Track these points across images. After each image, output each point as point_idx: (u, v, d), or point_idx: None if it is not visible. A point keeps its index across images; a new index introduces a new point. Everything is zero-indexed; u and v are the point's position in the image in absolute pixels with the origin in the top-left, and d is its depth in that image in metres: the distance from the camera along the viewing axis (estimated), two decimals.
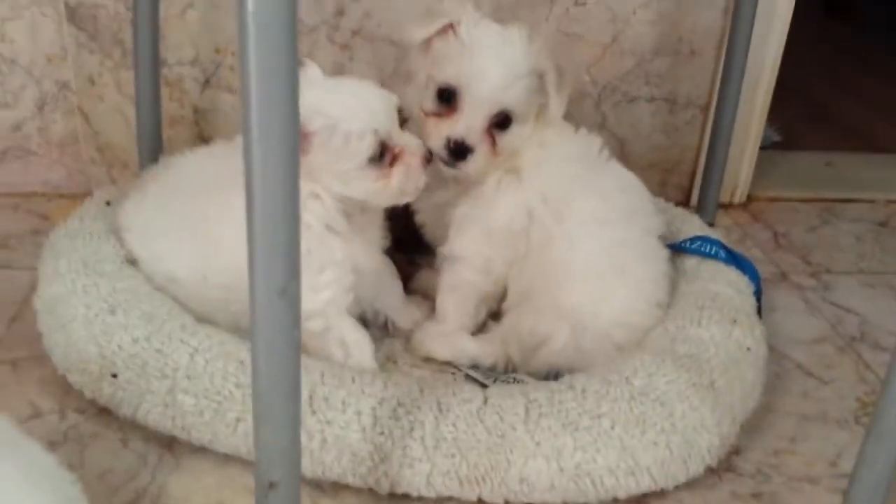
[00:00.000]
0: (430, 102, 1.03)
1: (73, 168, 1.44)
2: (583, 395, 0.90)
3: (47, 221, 1.36)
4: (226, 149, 1.07)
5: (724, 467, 0.97)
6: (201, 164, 1.10)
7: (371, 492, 0.89)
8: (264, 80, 0.56)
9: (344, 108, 0.94)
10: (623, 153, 1.53)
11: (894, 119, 2.16)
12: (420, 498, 0.88)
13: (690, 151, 1.56)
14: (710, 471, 0.94)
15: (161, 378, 0.91)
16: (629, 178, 1.13)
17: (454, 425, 0.87)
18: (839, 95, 2.32)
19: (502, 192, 1.06)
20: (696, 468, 0.91)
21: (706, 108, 1.51)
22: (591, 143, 1.10)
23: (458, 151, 1.00)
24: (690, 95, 1.51)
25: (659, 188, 1.56)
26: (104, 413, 0.96)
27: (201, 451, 0.92)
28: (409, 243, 1.18)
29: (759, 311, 1.14)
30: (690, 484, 0.93)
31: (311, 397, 0.88)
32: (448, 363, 1.09)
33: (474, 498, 0.88)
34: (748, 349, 1.00)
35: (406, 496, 0.88)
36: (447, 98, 1.01)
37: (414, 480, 0.87)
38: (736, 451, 0.99)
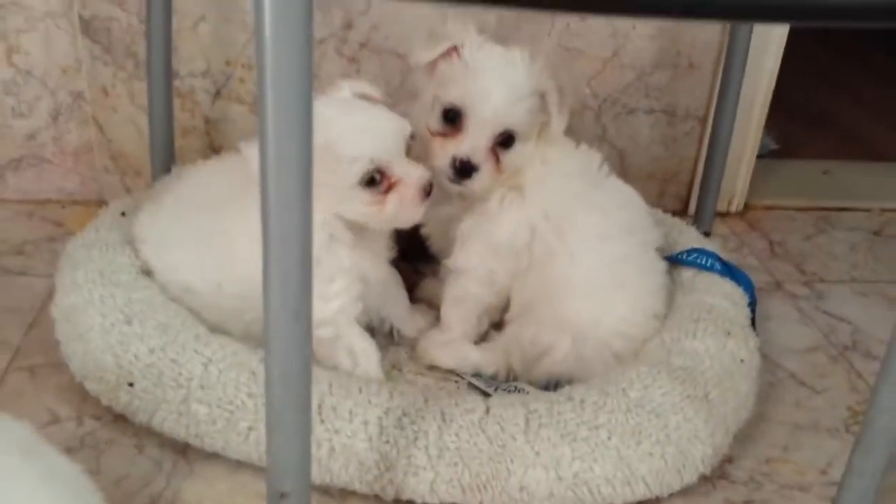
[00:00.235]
0: (435, 122, 1.06)
1: (87, 176, 1.47)
2: (581, 407, 0.93)
3: (62, 228, 1.40)
4: (237, 161, 1.10)
5: (717, 475, 1.00)
6: (214, 177, 1.13)
7: (377, 498, 0.92)
8: (280, 115, 0.59)
9: (346, 130, 0.96)
10: (623, 164, 1.56)
11: (893, 124, 2.18)
12: None
13: (688, 162, 1.59)
14: (704, 479, 0.97)
15: (176, 387, 0.94)
16: (628, 193, 1.16)
17: (457, 435, 0.90)
18: (838, 101, 2.34)
19: (505, 208, 1.09)
20: (689, 477, 0.95)
21: (704, 120, 1.55)
22: (591, 159, 1.14)
23: (464, 170, 1.03)
24: (689, 108, 1.54)
25: (657, 198, 1.60)
26: (120, 420, 0.99)
27: (214, 457, 0.96)
28: (415, 253, 1.21)
29: (753, 322, 1.18)
30: (685, 492, 0.96)
31: (319, 407, 0.91)
32: (451, 371, 1.13)
33: None
34: (742, 361, 1.03)
35: (411, 503, 0.92)
36: (452, 118, 1.04)
37: (418, 488, 0.90)
38: (729, 459, 1.02)
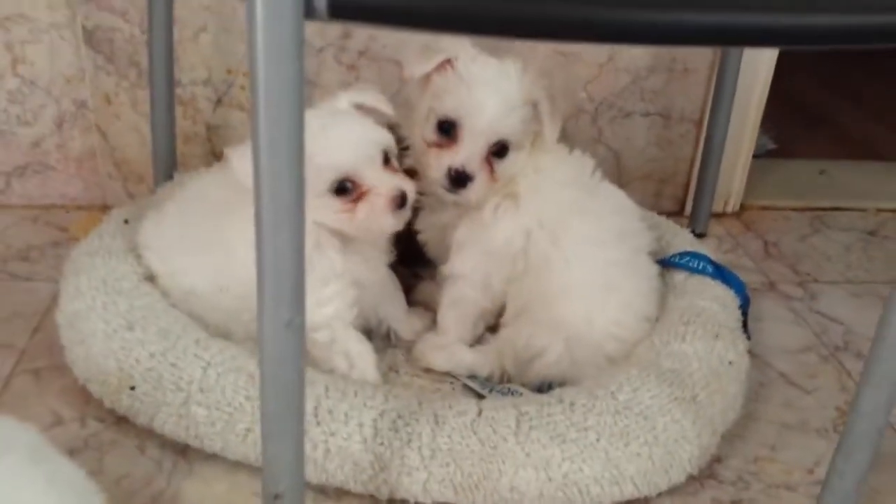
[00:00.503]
0: (431, 133, 1.08)
1: (91, 182, 1.50)
2: (571, 409, 0.96)
3: (66, 233, 1.43)
4: None
5: (705, 475, 1.02)
6: (215, 183, 1.15)
7: (372, 498, 0.95)
8: (273, 127, 0.61)
9: (320, 140, 0.97)
10: (619, 166, 1.58)
11: (892, 124, 2.19)
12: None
13: (684, 163, 1.61)
14: (692, 478, 0.99)
15: (176, 391, 0.97)
16: (620, 198, 1.18)
17: (449, 437, 0.93)
18: (836, 100, 2.35)
19: (500, 216, 1.11)
20: (677, 477, 0.97)
21: (700, 123, 1.57)
22: (584, 165, 1.15)
23: (459, 180, 1.05)
24: (684, 111, 1.56)
25: (654, 199, 1.62)
26: (122, 421, 1.02)
27: (213, 457, 0.98)
28: (413, 256, 1.23)
29: (745, 325, 1.20)
30: (673, 491, 0.98)
31: (315, 409, 0.94)
32: (447, 373, 1.15)
33: None
34: (730, 363, 1.05)
35: (404, 502, 0.94)
36: (447, 129, 1.06)
37: (412, 488, 0.92)
38: (718, 458, 1.04)
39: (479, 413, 0.95)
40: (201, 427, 0.96)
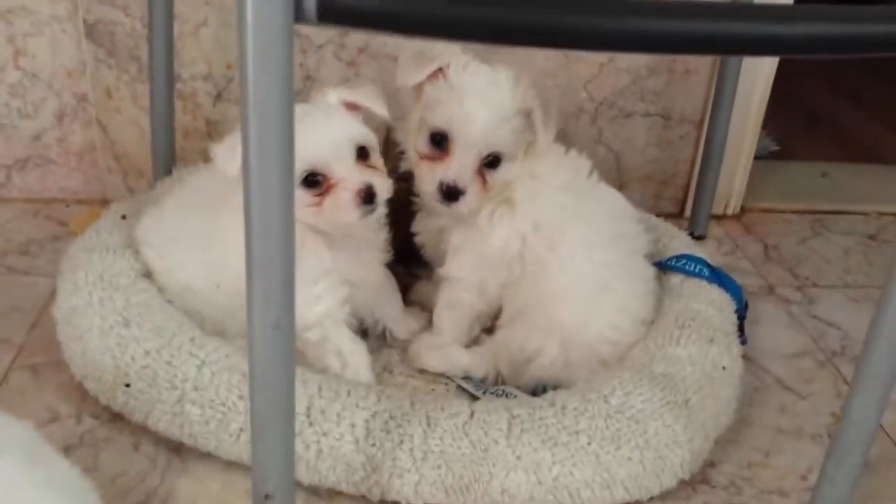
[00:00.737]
0: (423, 145, 1.06)
1: (91, 176, 1.51)
2: (562, 412, 0.96)
3: (66, 228, 1.43)
4: None
5: (698, 479, 1.02)
6: (211, 179, 1.15)
7: (364, 499, 0.95)
8: (262, 130, 0.62)
9: None
10: (619, 166, 1.58)
11: (894, 125, 2.19)
12: None
13: (685, 165, 1.61)
14: (684, 483, 0.99)
15: (171, 389, 0.97)
16: (617, 200, 1.18)
17: (441, 439, 0.93)
18: (839, 101, 2.34)
19: (496, 222, 1.10)
20: (668, 481, 0.97)
21: (700, 124, 1.56)
22: (580, 167, 1.15)
23: (451, 194, 1.04)
24: (685, 112, 1.55)
25: (654, 200, 1.62)
26: (118, 418, 1.02)
27: (208, 456, 0.98)
28: (410, 256, 1.24)
29: (741, 329, 1.20)
30: (665, 495, 0.99)
31: (308, 409, 0.94)
32: (441, 374, 1.15)
33: None
34: (724, 368, 1.05)
35: (396, 503, 0.95)
36: (439, 142, 1.05)
37: (403, 489, 0.93)
38: (711, 463, 1.04)
39: (471, 415, 0.95)
40: (195, 426, 0.96)
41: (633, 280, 1.15)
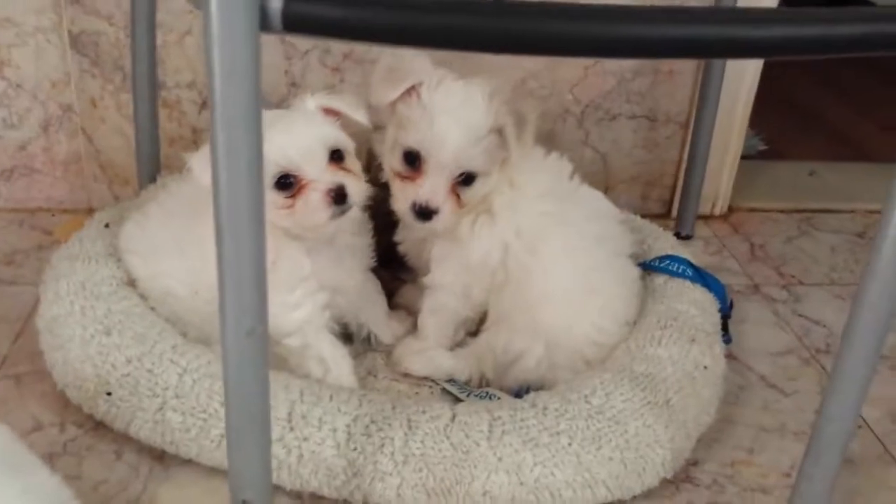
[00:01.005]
0: (397, 163, 1.06)
1: (76, 185, 1.51)
2: (543, 413, 0.96)
3: (51, 237, 1.43)
4: None
5: (681, 478, 1.02)
6: (194, 186, 1.16)
7: (346, 503, 0.95)
8: (230, 139, 0.62)
9: (266, 134, 0.97)
10: (606, 168, 1.59)
11: (883, 122, 2.19)
12: None
13: (671, 165, 1.61)
14: (668, 482, 1.00)
15: (152, 396, 0.97)
16: (599, 202, 1.19)
17: (422, 442, 0.93)
18: (829, 100, 2.34)
19: (477, 231, 1.10)
20: (651, 480, 0.97)
21: (686, 125, 1.57)
22: (561, 171, 1.15)
23: (424, 214, 1.04)
24: (670, 113, 1.56)
25: (641, 201, 1.63)
26: (100, 426, 1.03)
27: (190, 463, 0.99)
28: (395, 260, 1.24)
29: (725, 328, 1.20)
30: (648, 494, 0.99)
31: (290, 415, 0.94)
32: (426, 378, 1.15)
33: None
34: (705, 367, 1.06)
35: None
36: (412, 161, 1.04)
37: (385, 493, 0.93)
38: (694, 462, 1.04)
39: (453, 418, 0.96)
40: (176, 433, 0.97)
41: (618, 281, 1.15)
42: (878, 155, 2.00)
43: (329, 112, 1.04)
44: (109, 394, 0.98)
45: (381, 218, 1.16)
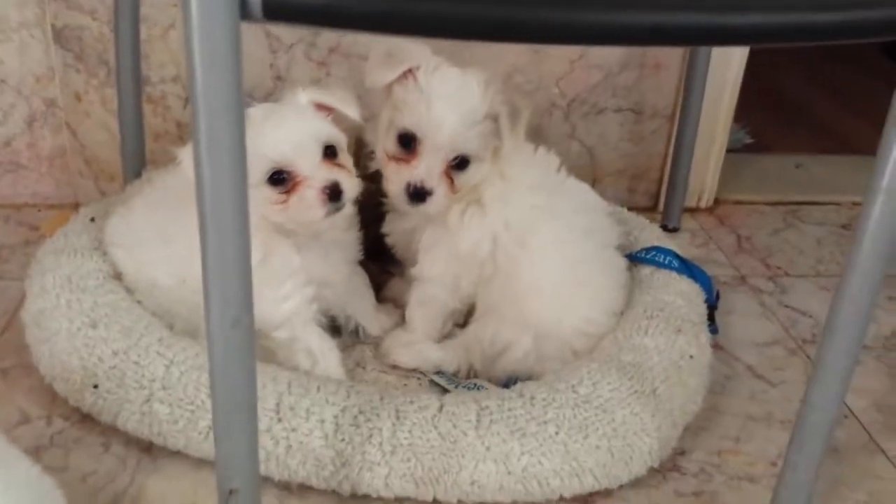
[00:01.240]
0: (391, 146, 1.06)
1: (62, 180, 1.50)
2: (531, 403, 0.96)
3: (37, 232, 1.43)
4: None
5: (668, 467, 1.03)
6: (179, 179, 1.16)
7: (335, 493, 0.95)
8: (212, 128, 0.62)
9: (258, 133, 0.97)
10: (592, 162, 1.59)
11: (869, 115, 2.19)
12: (380, 498, 0.95)
13: (657, 159, 1.62)
14: (655, 470, 1.00)
15: (139, 388, 0.97)
16: (587, 195, 1.19)
17: (410, 432, 0.93)
18: (815, 92, 2.35)
19: (466, 222, 1.10)
20: (638, 469, 0.98)
21: (672, 118, 1.57)
22: (549, 164, 1.15)
23: (418, 195, 1.04)
24: (656, 106, 1.56)
25: (628, 194, 1.63)
26: (88, 419, 1.03)
27: (177, 454, 0.99)
28: (383, 253, 1.24)
29: (712, 318, 1.20)
30: (635, 483, 0.99)
31: (278, 405, 0.94)
32: (415, 369, 1.16)
33: (430, 498, 0.94)
34: (691, 357, 1.06)
35: (367, 497, 0.95)
36: (407, 143, 1.05)
37: (373, 483, 0.93)
38: (681, 451, 1.05)
39: (440, 408, 0.96)
40: (164, 425, 0.96)
41: (606, 273, 1.15)
42: (866, 148, 2.00)
43: (321, 107, 1.04)
44: (96, 386, 0.98)
45: (369, 210, 1.16)
